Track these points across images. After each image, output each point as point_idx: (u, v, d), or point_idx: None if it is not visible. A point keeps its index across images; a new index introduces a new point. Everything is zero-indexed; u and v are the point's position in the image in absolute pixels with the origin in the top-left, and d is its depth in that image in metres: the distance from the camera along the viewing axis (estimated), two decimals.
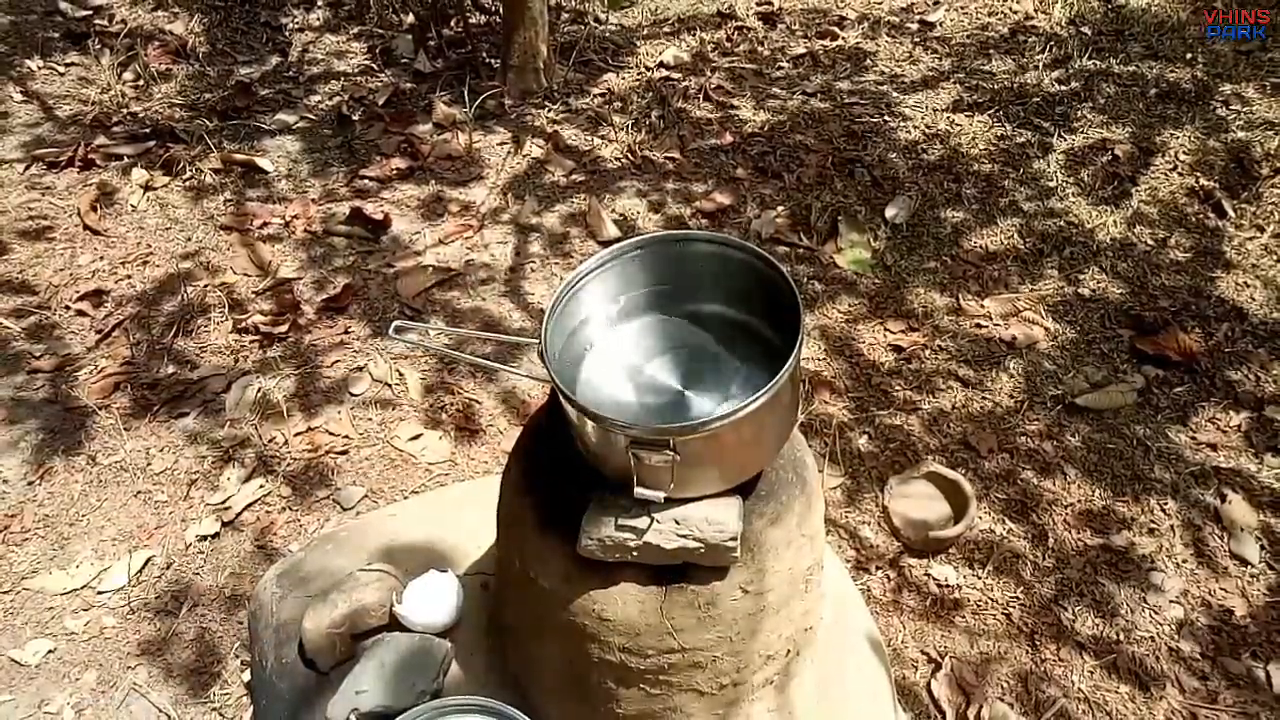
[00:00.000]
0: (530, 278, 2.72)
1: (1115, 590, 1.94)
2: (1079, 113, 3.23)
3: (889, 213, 2.87)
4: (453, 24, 3.76)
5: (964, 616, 1.91)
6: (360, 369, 2.45)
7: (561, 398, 1.01)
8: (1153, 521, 2.06)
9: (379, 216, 2.86)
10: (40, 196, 2.96)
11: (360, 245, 2.82)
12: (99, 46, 3.57)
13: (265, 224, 2.89)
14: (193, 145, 3.14)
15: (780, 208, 2.91)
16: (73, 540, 2.09)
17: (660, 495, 0.99)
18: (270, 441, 2.27)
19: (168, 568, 2.04)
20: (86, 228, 2.84)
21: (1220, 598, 1.92)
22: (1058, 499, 2.11)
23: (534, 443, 1.19)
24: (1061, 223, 2.83)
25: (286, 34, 3.79)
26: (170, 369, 2.44)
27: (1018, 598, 1.94)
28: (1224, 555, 1.99)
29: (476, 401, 2.37)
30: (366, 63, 3.62)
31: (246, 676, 1.83)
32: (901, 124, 3.23)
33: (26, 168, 3.06)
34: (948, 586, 1.96)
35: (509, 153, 3.16)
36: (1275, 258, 2.67)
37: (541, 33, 3.28)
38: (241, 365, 2.46)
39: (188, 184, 3.02)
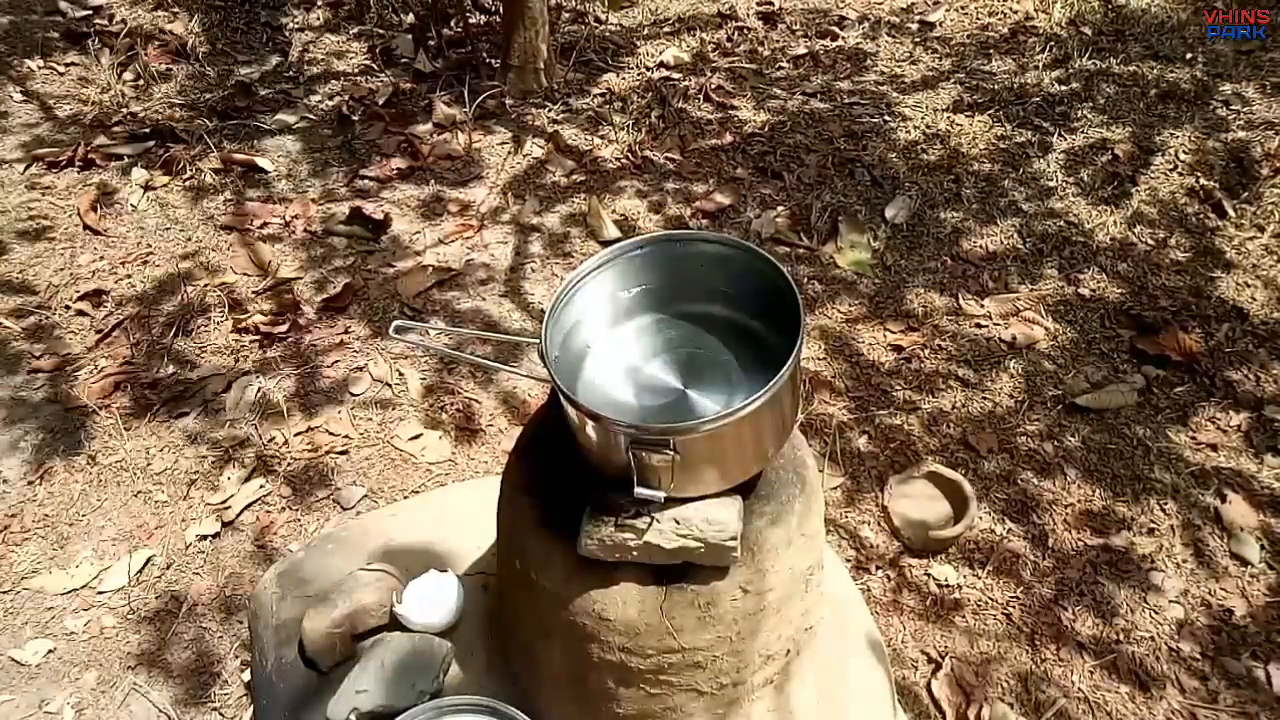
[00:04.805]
0: (530, 278, 2.72)
1: (1115, 590, 1.94)
2: (1079, 113, 3.23)
3: (889, 213, 2.87)
4: (453, 24, 3.76)
5: (964, 616, 1.91)
6: (360, 369, 2.45)
7: (562, 398, 1.01)
8: (1153, 522, 2.06)
9: (379, 216, 2.86)
10: (40, 196, 2.96)
11: (360, 245, 2.82)
12: (99, 46, 3.57)
13: (265, 224, 2.89)
14: (193, 145, 3.14)
15: (780, 208, 2.91)
16: (73, 540, 2.09)
17: (660, 495, 0.99)
18: (270, 441, 2.27)
19: (168, 567, 2.04)
20: (86, 228, 2.84)
21: (1220, 598, 1.92)
22: (1057, 499, 2.11)
23: (534, 443, 1.19)
24: (1061, 223, 2.83)
25: (286, 34, 3.79)
26: (170, 369, 2.44)
27: (1018, 598, 1.94)
28: (1224, 555, 1.99)
29: (476, 401, 2.37)
30: (366, 63, 3.62)
31: (246, 676, 1.83)
32: (901, 124, 3.23)
33: (26, 168, 3.06)
34: (948, 586, 1.96)
35: (509, 153, 3.16)
36: (1275, 258, 2.67)
37: (541, 33, 3.28)
38: (241, 365, 2.46)
39: (188, 184, 3.03)
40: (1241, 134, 3.07)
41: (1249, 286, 2.59)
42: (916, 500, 2.09)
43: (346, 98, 3.40)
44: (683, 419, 1.04)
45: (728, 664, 1.11)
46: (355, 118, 3.30)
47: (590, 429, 1.01)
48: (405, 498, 2.15)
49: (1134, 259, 2.70)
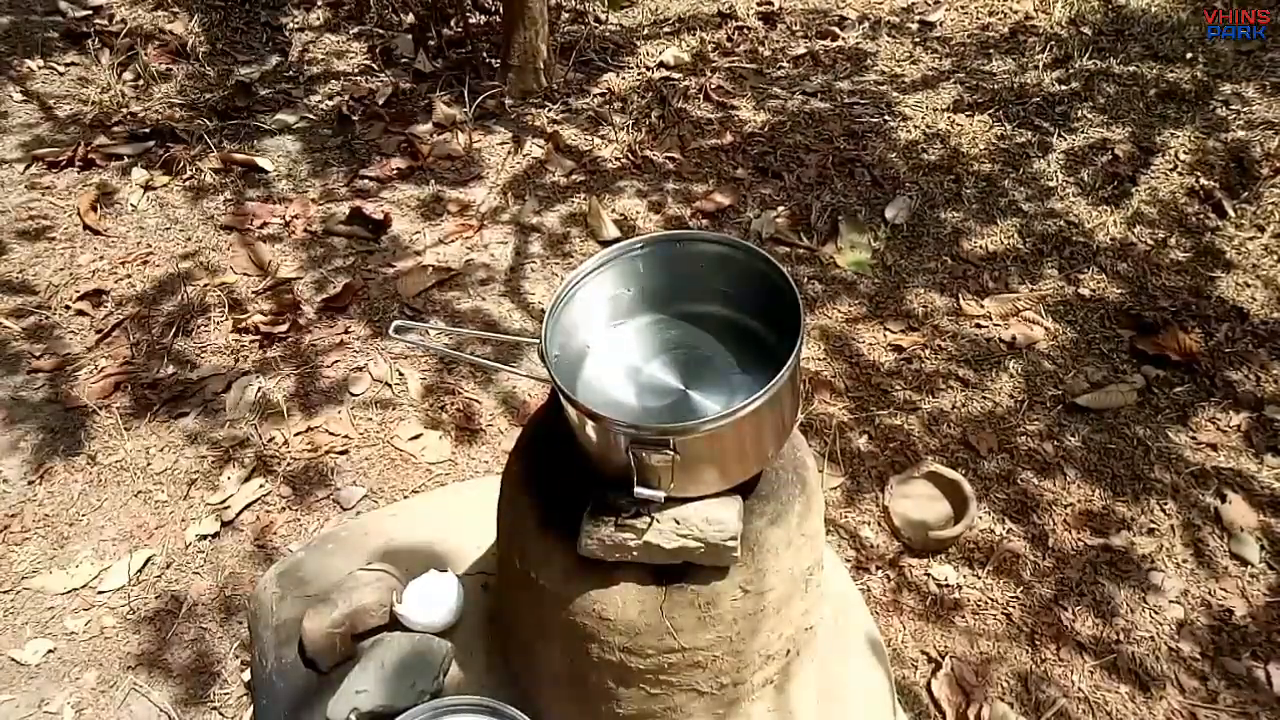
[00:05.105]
0: (530, 278, 2.72)
1: (1115, 590, 1.94)
2: (1079, 113, 3.23)
3: (889, 213, 2.87)
4: (453, 24, 3.76)
5: (964, 616, 1.91)
6: (360, 369, 2.45)
7: (561, 398, 1.01)
8: (1153, 522, 2.06)
9: (379, 216, 2.86)
10: (40, 196, 2.96)
11: (360, 245, 2.82)
12: (99, 46, 3.57)
13: (265, 224, 2.89)
14: (193, 145, 3.14)
15: (780, 208, 2.91)
16: (73, 540, 2.09)
17: (660, 495, 0.99)
18: (270, 441, 2.27)
19: (168, 567, 2.04)
20: (86, 228, 2.84)
21: (1220, 598, 1.92)
22: (1057, 499, 2.11)
23: (534, 443, 1.19)
24: (1061, 223, 2.83)
25: (286, 34, 3.79)
26: (170, 369, 2.44)
27: (1018, 598, 1.94)
28: (1224, 555, 1.99)
29: (476, 401, 2.37)
30: (366, 63, 3.62)
31: (246, 676, 1.83)
32: (901, 124, 3.23)
33: (26, 168, 3.06)
34: (948, 586, 1.96)
35: (509, 153, 3.16)
36: (1275, 258, 2.67)
37: (541, 33, 3.28)
38: (241, 365, 2.46)
39: (188, 184, 3.03)
40: (1241, 134, 3.07)
41: (1249, 286, 2.59)
42: (916, 500, 2.09)
43: (346, 98, 3.40)
44: (683, 419, 1.04)
45: (728, 664, 1.11)
46: (355, 118, 3.30)
47: (590, 429, 1.01)
48: (405, 498, 2.15)
49: (1134, 259, 2.70)
